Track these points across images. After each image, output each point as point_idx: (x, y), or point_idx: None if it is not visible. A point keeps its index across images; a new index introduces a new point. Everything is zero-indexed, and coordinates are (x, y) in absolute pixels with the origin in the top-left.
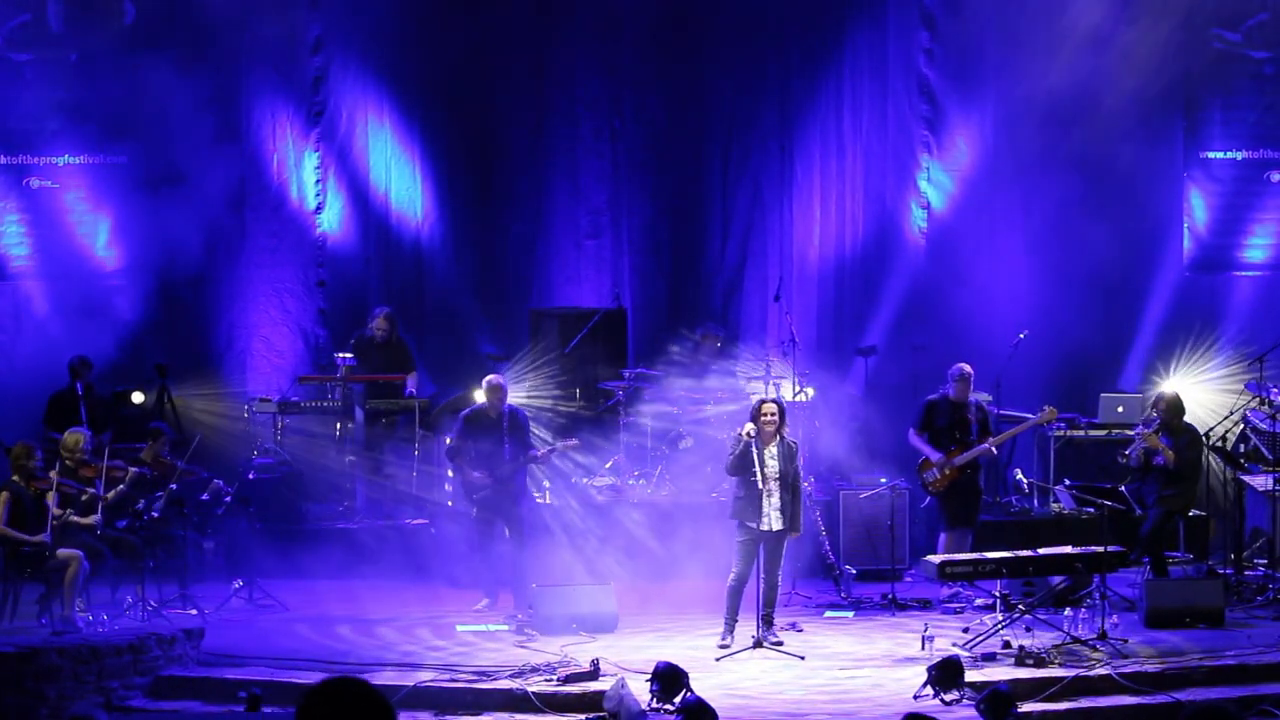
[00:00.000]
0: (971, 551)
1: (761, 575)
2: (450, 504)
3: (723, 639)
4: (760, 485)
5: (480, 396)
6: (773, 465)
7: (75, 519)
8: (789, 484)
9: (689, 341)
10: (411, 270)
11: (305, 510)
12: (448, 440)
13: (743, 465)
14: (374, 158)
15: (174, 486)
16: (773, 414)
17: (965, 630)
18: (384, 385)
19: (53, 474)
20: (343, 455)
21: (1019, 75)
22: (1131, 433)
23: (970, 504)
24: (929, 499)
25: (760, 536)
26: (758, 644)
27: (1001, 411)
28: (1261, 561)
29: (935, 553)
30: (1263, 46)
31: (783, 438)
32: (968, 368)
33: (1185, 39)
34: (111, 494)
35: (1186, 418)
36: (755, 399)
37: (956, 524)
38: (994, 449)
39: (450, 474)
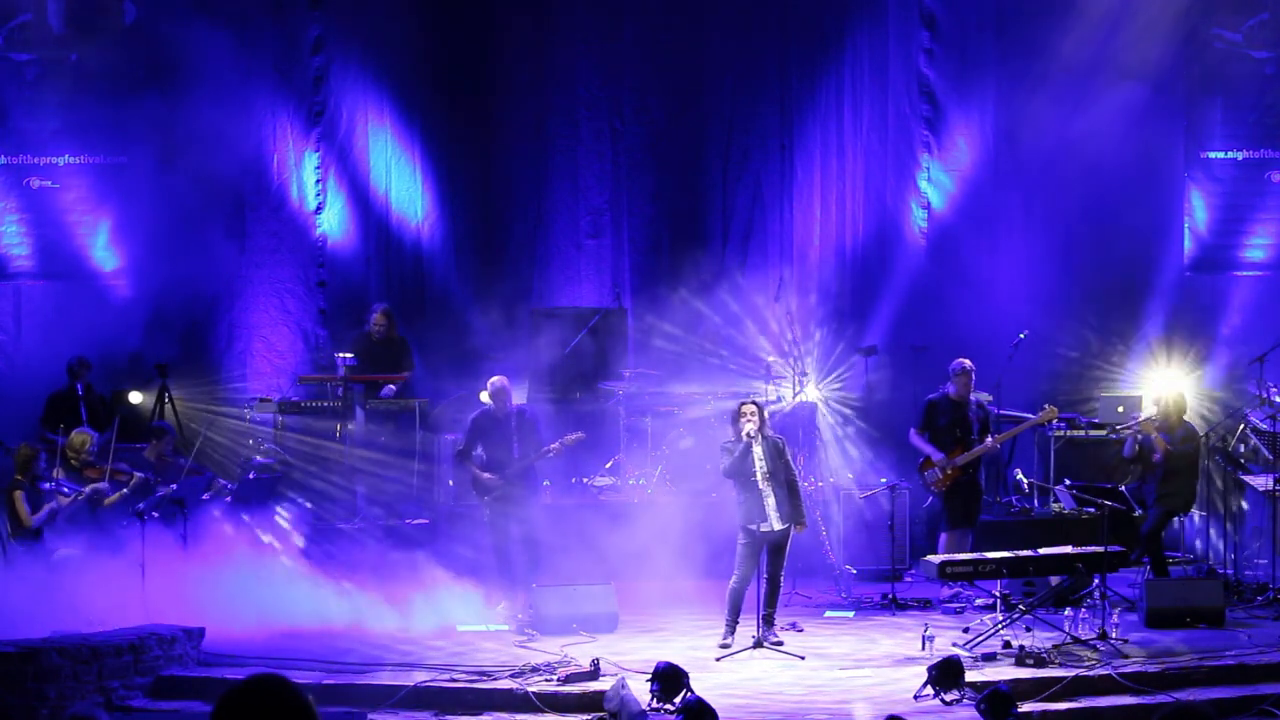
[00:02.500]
0: (972, 551)
1: (764, 575)
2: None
3: (724, 639)
4: (760, 486)
5: (485, 397)
6: (762, 464)
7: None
8: (781, 480)
9: (689, 341)
10: (411, 270)
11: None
12: (457, 447)
13: (742, 468)
14: (374, 158)
15: (174, 486)
16: (751, 413)
17: (965, 630)
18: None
19: (57, 473)
20: (343, 455)
21: (1019, 75)
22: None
23: (971, 504)
24: (930, 499)
25: (762, 538)
26: (758, 644)
27: (1002, 411)
28: (1261, 561)
29: (935, 553)
30: (1263, 46)
31: (765, 436)
32: (969, 363)
33: (1185, 39)
34: (115, 497)
35: (1187, 418)
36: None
37: (957, 524)
38: (996, 447)
39: (450, 482)
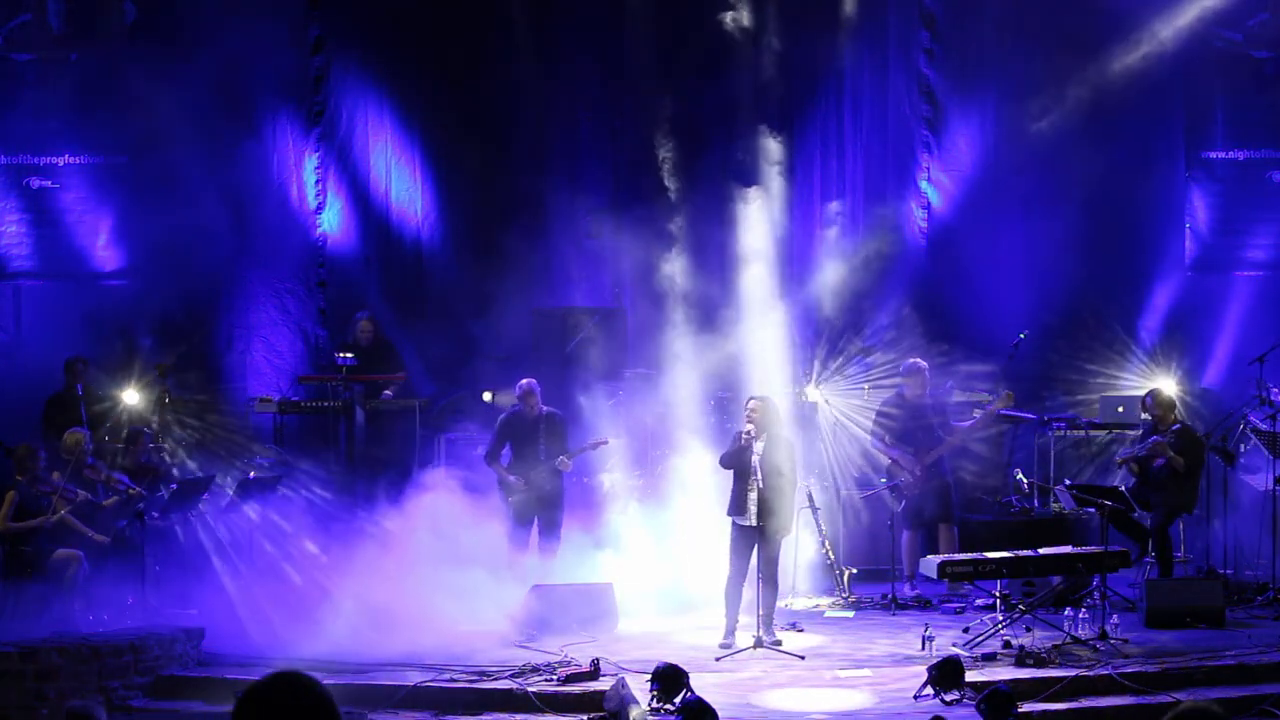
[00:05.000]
0: (961, 549)
1: (760, 575)
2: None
3: (724, 639)
4: (752, 480)
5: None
6: (758, 459)
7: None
8: (774, 480)
9: (688, 341)
10: (411, 270)
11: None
12: (484, 447)
13: (738, 462)
14: (374, 157)
15: (174, 486)
16: (752, 409)
17: (965, 630)
18: (383, 385)
19: (56, 475)
20: (342, 455)
21: (1019, 75)
22: (1131, 434)
23: (946, 499)
24: (902, 503)
25: (749, 533)
26: (758, 644)
27: (1000, 412)
28: (1261, 561)
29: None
30: (1264, 46)
31: (777, 434)
32: (922, 362)
33: (1186, 39)
34: (111, 500)
35: (1186, 418)
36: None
37: (943, 521)
38: (957, 442)
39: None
